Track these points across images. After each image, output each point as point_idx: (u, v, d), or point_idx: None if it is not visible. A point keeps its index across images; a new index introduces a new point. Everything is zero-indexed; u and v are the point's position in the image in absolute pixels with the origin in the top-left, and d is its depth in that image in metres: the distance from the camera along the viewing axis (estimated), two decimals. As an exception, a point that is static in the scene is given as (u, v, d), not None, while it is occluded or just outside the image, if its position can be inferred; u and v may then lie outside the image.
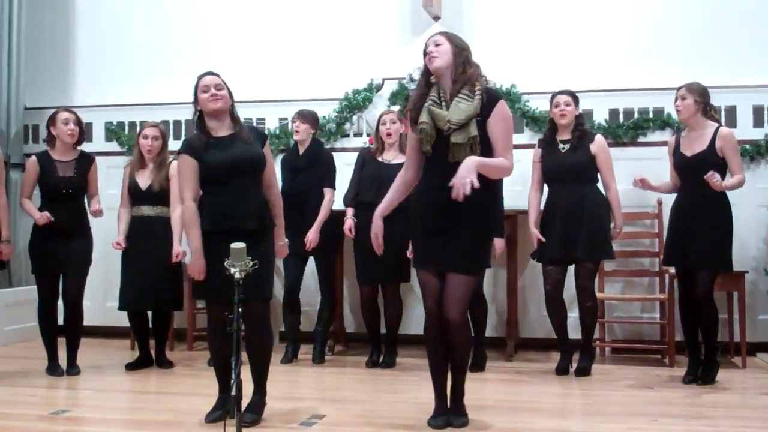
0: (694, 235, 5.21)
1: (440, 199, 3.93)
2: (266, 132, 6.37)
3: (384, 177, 5.76)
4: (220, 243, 4.04)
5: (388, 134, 5.96)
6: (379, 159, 6.00)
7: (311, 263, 6.23)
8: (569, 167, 5.58)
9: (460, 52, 4.03)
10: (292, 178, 6.10)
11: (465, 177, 3.76)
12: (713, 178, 5.00)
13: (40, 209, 5.65)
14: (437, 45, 4.04)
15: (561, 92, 5.68)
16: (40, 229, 5.64)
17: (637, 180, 5.57)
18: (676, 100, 5.35)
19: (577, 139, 5.62)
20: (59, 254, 5.62)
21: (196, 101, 4.33)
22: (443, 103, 3.98)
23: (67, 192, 5.68)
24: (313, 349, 6.16)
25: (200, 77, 4.35)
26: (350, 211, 6.03)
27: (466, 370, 4.20)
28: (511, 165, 3.99)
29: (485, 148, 3.94)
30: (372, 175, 5.94)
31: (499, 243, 5.67)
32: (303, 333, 6.30)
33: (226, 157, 4.22)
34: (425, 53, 4.08)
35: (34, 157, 5.76)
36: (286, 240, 4.55)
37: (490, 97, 3.98)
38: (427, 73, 4.11)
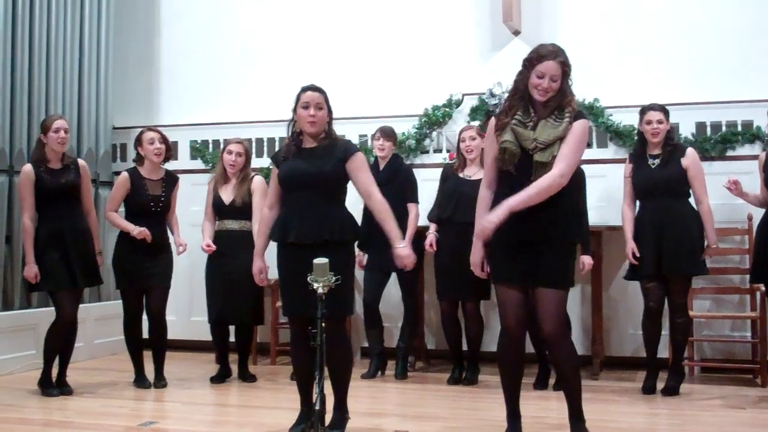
0: None
1: (530, 215, 3.87)
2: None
3: (462, 193, 5.79)
4: (296, 255, 4.12)
5: (468, 150, 5.95)
6: (460, 175, 5.99)
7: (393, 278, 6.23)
8: (661, 182, 5.47)
9: (564, 87, 3.92)
10: None
11: (490, 221, 3.85)
12: None
13: None
14: (553, 81, 3.88)
15: (651, 108, 5.54)
16: (124, 246, 5.77)
17: (730, 180, 5.42)
18: None
19: (668, 154, 5.50)
20: (144, 270, 5.73)
21: (295, 110, 4.34)
22: (530, 124, 3.92)
23: (155, 210, 5.81)
24: (395, 364, 6.16)
25: (304, 90, 4.33)
26: (433, 227, 6.03)
27: (580, 389, 4.02)
28: (558, 175, 3.85)
29: None
30: (451, 191, 5.94)
31: (587, 259, 5.61)
32: (386, 348, 6.29)
33: (291, 169, 4.28)
34: (528, 66, 3.94)
35: (125, 173, 5.89)
36: (401, 245, 4.40)
37: (575, 118, 3.93)
38: (524, 84, 3.96)
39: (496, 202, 3.99)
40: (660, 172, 5.49)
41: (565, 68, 3.91)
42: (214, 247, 5.96)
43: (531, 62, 3.93)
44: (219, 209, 6.05)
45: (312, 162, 4.26)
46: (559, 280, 3.95)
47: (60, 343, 5.53)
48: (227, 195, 6.03)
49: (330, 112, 4.35)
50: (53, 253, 5.44)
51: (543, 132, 3.88)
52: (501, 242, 3.98)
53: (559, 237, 3.93)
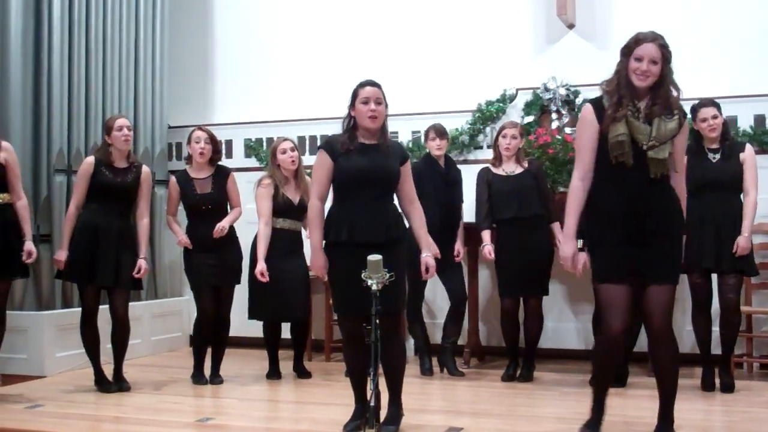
0: None
1: (646, 213, 3.85)
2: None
3: (516, 190, 5.81)
4: (353, 254, 4.10)
5: (507, 148, 5.91)
6: (502, 173, 5.95)
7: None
8: (723, 177, 5.36)
9: (669, 72, 3.88)
10: (442, 193, 6.05)
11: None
12: None
13: (187, 226, 5.88)
14: (654, 63, 3.84)
15: (704, 104, 5.43)
16: (192, 249, 5.83)
17: None
18: None
19: (728, 148, 5.41)
20: (215, 268, 5.79)
21: (352, 106, 4.31)
22: (640, 116, 3.87)
23: (207, 208, 5.85)
24: (447, 362, 6.11)
25: (362, 85, 4.30)
26: (487, 236, 5.95)
27: (676, 391, 3.99)
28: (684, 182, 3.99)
29: None
30: (506, 191, 5.89)
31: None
32: (435, 345, 6.28)
33: (361, 165, 4.22)
34: (627, 53, 3.89)
35: (173, 178, 5.98)
36: (429, 254, 4.36)
37: (683, 116, 3.93)
38: (626, 72, 3.89)
39: (604, 198, 3.92)
40: (722, 167, 5.38)
41: (665, 52, 3.86)
42: (267, 278, 5.78)
43: (629, 48, 3.90)
44: (287, 209, 5.96)
45: (378, 160, 4.23)
46: (673, 274, 3.93)
47: (90, 337, 5.59)
48: (292, 194, 5.99)
49: (386, 107, 4.34)
50: (83, 246, 5.48)
51: (660, 130, 3.84)
52: (615, 239, 3.90)
53: (674, 231, 3.89)
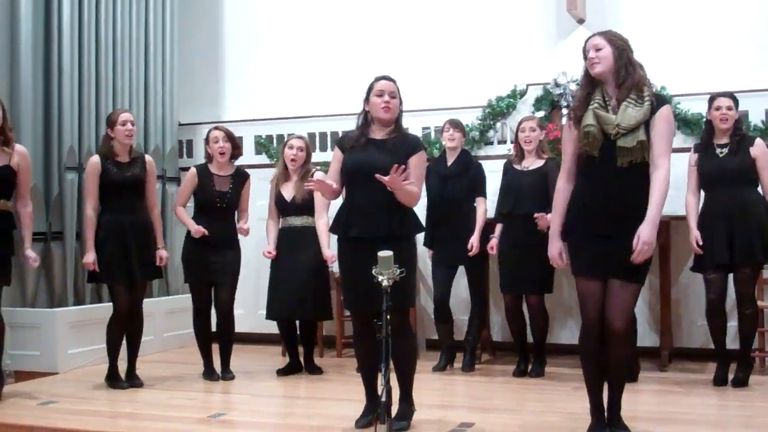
0: None
1: (609, 204, 3.85)
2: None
3: (521, 186, 5.81)
4: (358, 249, 4.16)
5: (527, 141, 5.90)
6: (518, 167, 5.95)
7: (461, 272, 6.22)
8: (730, 171, 5.35)
9: (621, 53, 3.90)
10: (441, 187, 6.09)
11: (646, 245, 3.76)
12: None
13: (193, 219, 5.88)
14: (598, 50, 3.92)
15: (722, 95, 5.43)
16: (193, 241, 5.85)
17: None
18: None
19: (736, 143, 5.38)
20: (212, 265, 5.80)
21: (367, 99, 4.38)
22: (609, 107, 3.89)
23: (221, 206, 5.87)
24: (462, 357, 6.13)
25: (378, 79, 4.38)
26: (498, 229, 5.99)
27: (624, 382, 4.06)
28: (667, 173, 3.85)
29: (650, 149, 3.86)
30: (510, 185, 5.92)
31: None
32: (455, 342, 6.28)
33: (357, 160, 4.29)
34: (585, 56, 3.99)
35: (194, 169, 5.99)
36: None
37: (658, 102, 3.89)
38: (589, 73, 3.99)
39: (577, 191, 3.98)
40: (729, 161, 5.37)
41: (611, 38, 3.93)
42: (274, 254, 6.02)
43: (583, 50, 4.01)
44: (281, 207, 6.10)
45: (380, 155, 4.25)
46: (635, 273, 3.88)
47: (118, 335, 5.60)
48: (288, 192, 6.07)
49: (401, 102, 4.39)
50: (112, 246, 5.50)
51: (624, 116, 3.83)
52: (585, 233, 3.94)
53: (639, 223, 3.83)
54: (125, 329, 5.62)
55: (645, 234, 3.77)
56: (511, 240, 5.85)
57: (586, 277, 3.95)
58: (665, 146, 3.86)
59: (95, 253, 5.49)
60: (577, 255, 4.01)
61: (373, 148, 4.30)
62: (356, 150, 4.32)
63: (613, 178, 3.84)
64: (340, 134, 7.20)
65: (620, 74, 3.89)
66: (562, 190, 4.06)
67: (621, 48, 3.92)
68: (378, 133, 4.35)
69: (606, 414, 4.04)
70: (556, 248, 4.08)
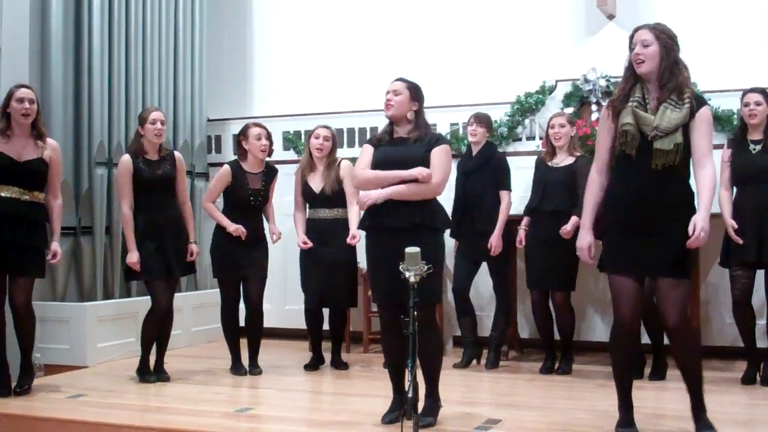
0: None
1: (646, 203, 3.82)
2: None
3: (549, 182, 5.81)
4: (386, 241, 4.21)
5: (557, 138, 5.87)
6: (549, 163, 5.93)
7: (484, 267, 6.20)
8: (762, 168, 5.29)
9: (669, 53, 3.84)
10: (464, 181, 6.10)
11: (703, 231, 3.73)
12: None
13: (224, 215, 5.90)
14: (645, 46, 3.85)
15: (751, 90, 5.39)
16: (222, 235, 5.87)
17: None
18: None
19: None
20: (242, 260, 5.83)
21: None
22: (648, 107, 3.85)
23: (255, 204, 5.90)
24: (488, 354, 6.12)
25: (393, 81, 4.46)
26: (525, 222, 5.99)
27: (702, 381, 3.99)
28: (712, 170, 3.83)
29: (685, 152, 3.83)
30: (539, 181, 5.92)
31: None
32: (479, 338, 6.26)
33: (382, 154, 4.38)
34: (630, 48, 3.92)
35: (227, 166, 5.98)
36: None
37: (698, 103, 3.85)
38: (632, 66, 3.93)
39: (612, 188, 3.95)
40: (763, 158, 5.31)
41: (659, 34, 3.85)
42: (310, 244, 5.96)
43: (629, 40, 3.94)
44: (310, 198, 6.07)
45: (400, 152, 4.34)
46: (681, 268, 3.86)
47: (156, 332, 5.65)
48: (316, 183, 6.04)
49: (414, 101, 4.40)
50: (149, 244, 5.55)
51: (663, 118, 3.79)
52: (621, 231, 3.91)
53: (683, 225, 3.79)
54: (162, 325, 5.67)
55: (701, 221, 3.73)
56: (537, 236, 5.85)
57: (623, 275, 3.91)
58: (708, 146, 3.85)
59: (138, 253, 5.54)
60: (614, 253, 3.95)
61: (398, 146, 4.39)
62: (383, 147, 4.42)
63: (648, 179, 3.81)
64: (367, 129, 7.32)
65: (664, 75, 3.84)
66: (595, 181, 4.03)
67: (669, 48, 3.86)
68: (401, 133, 4.43)
69: (693, 417, 3.98)
70: (586, 240, 4.02)
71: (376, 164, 4.38)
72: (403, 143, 4.39)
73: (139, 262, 5.52)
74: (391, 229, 4.24)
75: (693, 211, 3.84)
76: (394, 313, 4.30)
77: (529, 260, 5.95)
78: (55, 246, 5.28)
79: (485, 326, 6.37)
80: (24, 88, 5.14)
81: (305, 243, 5.99)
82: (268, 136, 5.94)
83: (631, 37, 3.93)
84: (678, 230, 3.80)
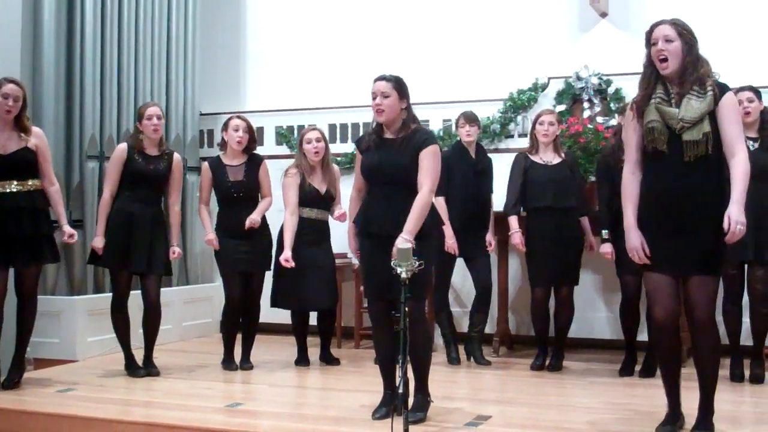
0: None
1: (681, 199, 3.80)
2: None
3: (557, 179, 5.77)
4: (378, 242, 4.21)
5: (545, 135, 5.85)
6: (540, 161, 5.89)
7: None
8: (758, 166, 5.27)
9: (691, 49, 3.83)
10: (475, 183, 6.05)
11: (739, 224, 3.69)
12: None
13: (218, 213, 5.91)
14: (668, 41, 3.82)
15: (741, 89, 5.38)
16: (222, 232, 5.85)
17: None
18: None
19: (766, 137, 5.34)
20: (245, 255, 5.82)
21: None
22: (672, 101, 3.84)
23: (238, 196, 5.86)
24: (473, 350, 6.09)
25: (374, 80, 4.36)
26: (515, 222, 5.88)
27: (716, 382, 3.97)
28: (745, 155, 3.80)
29: (715, 141, 3.81)
30: (543, 180, 5.82)
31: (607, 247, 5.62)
32: (462, 334, 6.29)
33: (372, 162, 4.36)
34: (648, 43, 3.88)
35: (206, 164, 5.99)
36: (407, 236, 4.16)
37: (721, 91, 3.83)
38: (651, 63, 3.90)
39: (646, 186, 3.92)
40: (760, 155, 5.28)
41: (682, 30, 3.84)
42: (292, 264, 5.76)
43: (648, 37, 3.91)
44: (315, 199, 5.96)
45: (391, 155, 4.29)
46: (714, 265, 3.85)
47: (124, 323, 5.65)
48: (319, 184, 5.98)
49: (403, 99, 4.33)
50: (115, 233, 5.54)
51: (688, 109, 3.78)
52: (657, 228, 3.88)
53: (716, 221, 3.76)
54: (127, 316, 5.66)
55: (735, 214, 3.70)
56: (548, 234, 5.75)
57: (661, 272, 3.87)
58: (738, 131, 3.83)
59: (104, 238, 5.54)
60: (649, 250, 3.90)
61: (385, 149, 4.34)
62: (370, 151, 4.39)
63: (682, 173, 3.79)
64: (360, 125, 7.32)
65: (687, 71, 3.83)
66: (630, 181, 3.97)
67: (690, 44, 3.85)
68: (389, 133, 4.37)
69: (698, 413, 3.98)
70: (637, 240, 3.91)
71: (366, 174, 4.40)
72: (389, 147, 4.32)
73: (103, 248, 5.53)
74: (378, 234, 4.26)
75: (726, 204, 3.79)
76: (384, 306, 4.32)
77: (536, 257, 5.85)
78: (67, 228, 5.30)
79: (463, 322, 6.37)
80: (11, 84, 5.10)
81: (287, 261, 5.77)
82: (247, 129, 5.89)
83: (649, 33, 3.89)
84: (711, 226, 3.79)
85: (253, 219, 5.78)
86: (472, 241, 6.01)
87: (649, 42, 3.89)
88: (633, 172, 3.98)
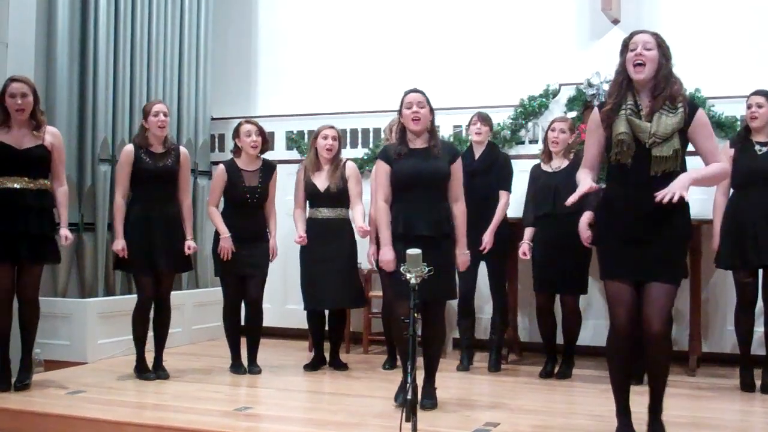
0: None
1: (641, 210, 3.80)
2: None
3: (560, 185, 5.71)
4: (404, 245, 4.23)
5: (554, 142, 5.85)
6: (548, 169, 5.90)
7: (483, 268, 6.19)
8: (766, 171, 5.28)
9: (666, 62, 3.84)
10: (468, 183, 6.06)
11: (676, 190, 3.66)
12: None
13: (224, 216, 5.91)
14: (647, 48, 3.82)
15: (754, 93, 5.41)
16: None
17: None
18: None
19: None
20: (243, 258, 5.83)
21: (400, 112, 4.71)
22: (642, 115, 3.84)
23: (252, 201, 5.89)
24: (488, 357, 6.12)
25: (406, 93, 4.69)
26: (528, 234, 5.94)
27: (665, 386, 3.99)
28: (728, 166, 3.88)
29: (683, 157, 3.85)
30: (544, 187, 5.84)
31: None
32: (477, 341, 6.28)
33: (411, 168, 4.61)
34: (625, 51, 3.88)
35: (222, 166, 5.99)
36: (467, 251, 4.80)
37: (691, 108, 3.85)
38: (624, 72, 3.90)
39: (608, 196, 3.97)
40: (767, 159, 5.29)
41: (661, 42, 3.85)
42: (305, 240, 5.95)
43: (625, 44, 3.92)
44: (313, 196, 6.04)
45: (428, 162, 4.62)
46: (671, 273, 3.85)
47: (143, 325, 5.66)
48: (321, 182, 6.02)
49: (432, 111, 4.68)
50: (137, 237, 5.54)
51: (660, 124, 3.78)
52: (616, 237, 3.90)
53: (675, 231, 3.82)
54: (149, 319, 5.68)
55: (680, 181, 3.69)
56: (549, 240, 5.76)
57: (618, 280, 3.90)
58: (715, 145, 3.95)
59: (124, 241, 5.54)
60: (609, 259, 3.96)
61: (419, 156, 4.64)
62: (405, 160, 4.64)
63: (645, 186, 3.78)
64: (371, 131, 7.33)
65: (659, 85, 3.83)
66: (586, 176, 4.01)
67: (667, 57, 3.86)
68: (417, 143, 4.67)
69: (648, 420, 3.99)
70: (585, 219, 4.23)
71: (406, 179, 4.60)
72: (424, 155, 4.62)
73: (126, 250, 5.53)
74: (422, 236, 4.51)
75: (688, 217, 3.87)
76: (401, 307, 4.37)
77: (539, 264, 5.87)
78: (64, 231, 5.30)
79: (482, 328, 6.36)
80: (16, 82, 5.12)
81: (301, 237, 5.94)
82: (260, 133, 5.91)
83: (626, 42, 3.90)
84: (672, 235, 3.82)
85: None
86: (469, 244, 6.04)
87: (626, 49, 3.89)
88: (589, 168, 4.04)
